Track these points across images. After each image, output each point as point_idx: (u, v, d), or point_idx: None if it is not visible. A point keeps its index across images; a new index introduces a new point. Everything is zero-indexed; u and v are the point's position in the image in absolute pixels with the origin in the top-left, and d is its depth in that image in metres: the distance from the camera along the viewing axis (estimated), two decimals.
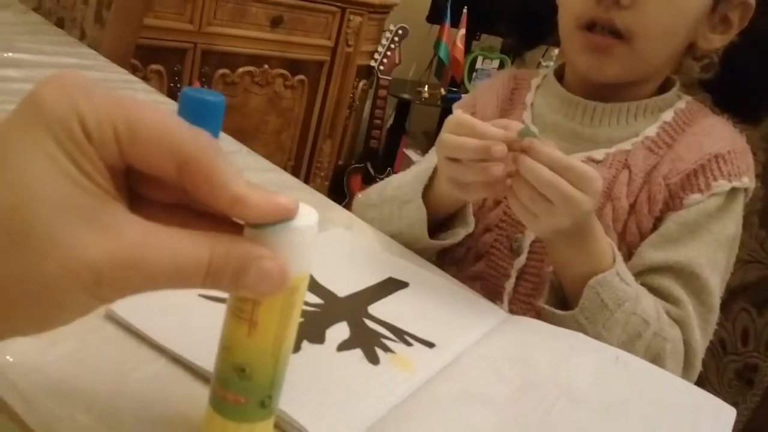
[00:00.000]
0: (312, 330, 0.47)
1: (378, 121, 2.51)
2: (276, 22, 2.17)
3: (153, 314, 0.43)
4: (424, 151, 2.74)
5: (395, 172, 2.64)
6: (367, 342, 0.47)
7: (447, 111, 2.87)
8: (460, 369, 0.47)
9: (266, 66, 2.21)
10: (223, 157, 0.26)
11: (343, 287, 0.54)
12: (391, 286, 0.57)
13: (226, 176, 0.26)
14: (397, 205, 0.72)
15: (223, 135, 0.69)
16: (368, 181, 2.51)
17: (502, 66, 2.73)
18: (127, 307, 0.43)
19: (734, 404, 0.52)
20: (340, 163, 2.54)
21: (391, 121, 2.68)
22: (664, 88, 0.74)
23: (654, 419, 0.46)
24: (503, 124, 0.58)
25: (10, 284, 0.24)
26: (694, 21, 0.68)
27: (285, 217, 0.29)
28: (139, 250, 0.25)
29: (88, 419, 0.35)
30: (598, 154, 0.71)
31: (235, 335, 0.33)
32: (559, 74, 0.79)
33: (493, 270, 0.74)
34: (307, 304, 0.50)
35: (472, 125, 0.58)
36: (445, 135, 0.59)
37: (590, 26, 0.67)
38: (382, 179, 2.70)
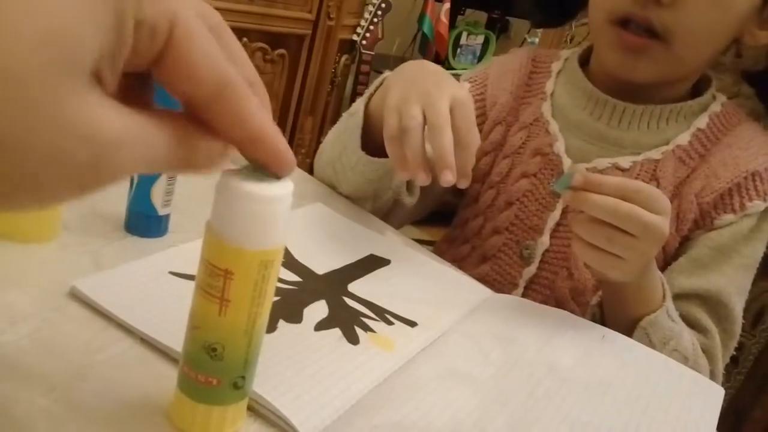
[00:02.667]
0: (289, 309, 0.45)
1: (360, 96, 2.47)
2: None
3: (119, 292, 0.41)
4: None
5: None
6: (347, 321, 0.46)
7: None
8: (443, 348, 0.46)
9: (245, 39, 2.16)
10: (254, 92, 0.25)
11: (322, 264, 0.52)
12: (372, 263, 0.55)
13: (258, 109, 0.25)
14: (344, 120, 0.66)
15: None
16: None
17: (486, 42, 2.70)
18: (92, 284, 0.41)
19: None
20: (321, 139, 2.51)
21: None
22: (698, 86, 0.68)
23: (642, 398, 0.45)
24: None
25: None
26: (740, 19, 0.61)
27: (279, 170, 0.28)
28: (146, 132, 0.23)
29: (48, 402, 0.33)
30: (625, 161, 0.65)
31: (206, 313, 0.31)
32: (583, 59, 0.71)
33: (498, 276, 0.70)
34: (283, 281, 0.48)
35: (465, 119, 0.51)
36: (418, 118, 0.51)
37: (624, 22, 0.60)
38: None
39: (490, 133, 0.73)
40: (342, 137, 0.65)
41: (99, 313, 0.40)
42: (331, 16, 2.30)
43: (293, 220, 0.58)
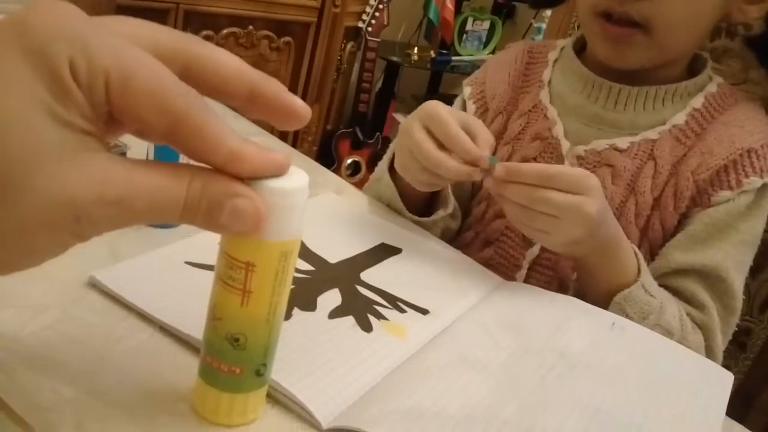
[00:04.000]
0: (303, 297, 0.46)
1: (366, 85, 2.47)
2: None
3: (138, 282, 0.42)
4: None
5: (384, 137, 2.62)
6: (360, 309, 0.46)
7: (437, 74, 2.83)
8: (455, 335, 0.46)
9: (251, 27, 2.16)
10: (216, 115, 0.25)
11: (334, 253, 0.53)
12: (383, 252, 0.56)
13: (221, 133, 0.25)
14: (375, 182, 0.70)
15: (208, 99, 0.67)
16: (357, 146, 2.49)
17: (492, 28, 2.68)
18: (111, 275, 0.42)
19: (726, 367, 0.51)
20: (328, 127, 2.51)
21: (379, 85, 2.64)
22: (694, 66, 0.70)
23: (652, 384, 0.45)
24: (474, 128, 0.56)
25: None
26: (721, 0, 0.62)
27: (278, 172, 0.28)
28: (120, 186, 0.24)
29: (72, 391, 0.33)
30: (622, 142, 0.66)
31: (228, 305, 0.32)
32: (579, 46, 0.73)
33: (502, 259, 0.71)
34: (297, 270, 0.49)
35: (445, 128, 0.55)
36: (418, 137, 0.56)
37: (607, 15, 0.62)
38: (371, 144, 2.66)
39: (491, 124, 0.74)
40: (385, 203, 0.69)
41: (118, 303, 0.41)
42: (337, 3, 2.29)
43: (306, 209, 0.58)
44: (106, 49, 0.23)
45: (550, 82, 0.73)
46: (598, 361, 0.46)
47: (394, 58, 2.55)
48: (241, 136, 0.26)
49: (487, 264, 0.62)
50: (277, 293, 0.32)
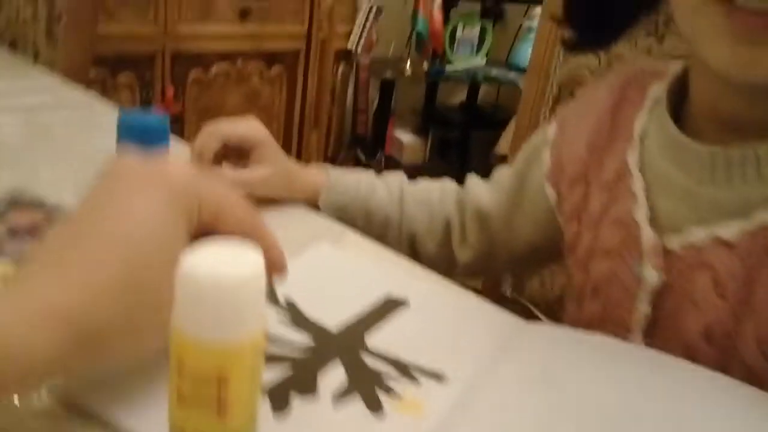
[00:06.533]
0: (302, 379, 0.40)
1: (362, 106, 2.43)
2: (245, 14, 2.08)
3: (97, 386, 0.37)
4: (413, 130, 2.66)
5: (386, 156, 2.57)
6: (368, 385, 0.41)
7: (432, 85, 2.78)
8: (476, 403, 0.41)
9: (240, 61, 2.13)
10: (267, 229, 0.38)
11: (334, 317, 0.48)
12: (389, 307, 0.51)
13: (270, 245, 0.38)
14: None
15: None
16: (360, 168, 2.44)
17: (483, 33, 2.63)
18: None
19: None
20: (328, 154, 2.47)
21: (376, 104, 2.60)
22: None
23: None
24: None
25: (132, 327, 0.31)
26: None
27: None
28: None
29: None
30: (728, 230, 0.45)
31: (202, 424, 0.27)
32: (679, 85, 0.51)
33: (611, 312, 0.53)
34: (294, 347, 0.44)
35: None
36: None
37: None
38: (374, 164, 2.61)
39: (570, 196, 0.58)
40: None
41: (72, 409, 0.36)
42: (323, 26, 2.25)
43: (297, 268, 0.53)
44: (212, 194, 0.36)
45: (644, 135, 0.52)
46: (658, 415, 0.40)
47: (388, 76, 2.51)
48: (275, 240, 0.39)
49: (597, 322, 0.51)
50: (253, 394, 0.29)
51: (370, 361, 0.44)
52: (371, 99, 2.51)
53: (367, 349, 0.45)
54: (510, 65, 2.60)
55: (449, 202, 0.71)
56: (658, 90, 0.53)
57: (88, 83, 1.13)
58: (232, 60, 2.11)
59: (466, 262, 0.68)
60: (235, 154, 0.63)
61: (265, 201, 0.67)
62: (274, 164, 0.64)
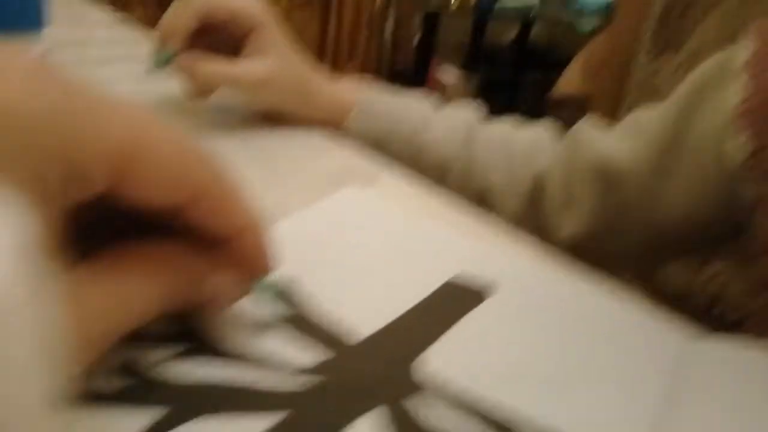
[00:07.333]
0: None
1: (403, 39, 2.21)
2: None
3: None
4: (458, 69, 2.42)
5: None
6: None
7: (480, 21, 2.52)
8: None
9: None
10: (235, 188, 0.23)
11: (364, 315, 0.27)
12: (456, 299, 0.30)
13: (239, 214, 0.23)
14: None
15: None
16: None
17: None
18: None
19: None
20: None
21: (417, 38, 2.37)
22: None
23: None
24: None
25: None
26: None
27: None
28: None
29: None
30: None
31: None
32: None
33: None
34: (297, 376, 0.24)
35: None
36: None
37: None
38: None
39: None
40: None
41: None
42: None
43: (306, 230, 0.33)
44: (116, 125, 0.19)
45: None
46: None
47: (432, 8, 2.29)
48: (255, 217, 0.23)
49: None
50: None
51: (433, 413, 0.23)
52: (413, 33, 2.29)
53: (424, 391, 0.24)
54: (567, 3, 2.34)
55: (542, 152, 0.49)
56: None
57: None
58: None
59: (570, 236, 0.46)
60: (222, 39, 0.43)
61: (264, 119, 0.46)
62: (280, 59, 0.43)
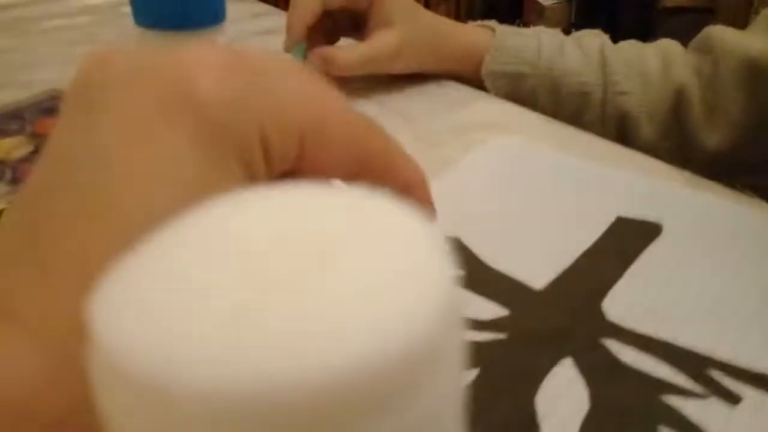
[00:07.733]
0: (506, 394, 0.21)
1: None
2: None
3: None
4: None
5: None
6: (634, 410, 0.21)
7: None
8: None
9: None
10: (399, 148, 0.21)
11: (534, 262, 0.27)
12: (632, 236, 0.29)
13: (405, 169, 0.22)
14: None
15: None
16: None
17: None
18: None
19: None
20: None
21: None
22: None
23: None
24: None
25: None
26: None
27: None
28: None
29: None
30: None
31: None
32: None
33: None
34: (478, 324, 0.24)
35: None
36: None
37: None
38: None
39: None
40: None
41: None
42: None
43: (465, 179, 0.33)
44: (296, 104, 0.19)
45: None
46: None
47: None
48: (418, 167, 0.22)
49: None
50: None
51: (629, 357, 0.23)
52: None
53: (613, 330, 0.24)
54: None
55: (678, 66, 0.46)
56: None
57: None
58: None
59: (716, 148, 0.43)
60: (347, 23, 0.43)
61: (395, 78, 0.46)
62: (407, 23, 0.43)
